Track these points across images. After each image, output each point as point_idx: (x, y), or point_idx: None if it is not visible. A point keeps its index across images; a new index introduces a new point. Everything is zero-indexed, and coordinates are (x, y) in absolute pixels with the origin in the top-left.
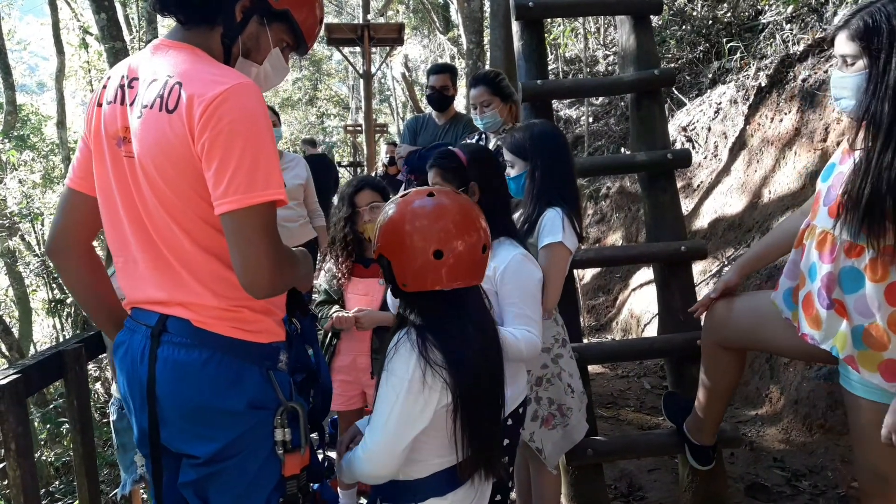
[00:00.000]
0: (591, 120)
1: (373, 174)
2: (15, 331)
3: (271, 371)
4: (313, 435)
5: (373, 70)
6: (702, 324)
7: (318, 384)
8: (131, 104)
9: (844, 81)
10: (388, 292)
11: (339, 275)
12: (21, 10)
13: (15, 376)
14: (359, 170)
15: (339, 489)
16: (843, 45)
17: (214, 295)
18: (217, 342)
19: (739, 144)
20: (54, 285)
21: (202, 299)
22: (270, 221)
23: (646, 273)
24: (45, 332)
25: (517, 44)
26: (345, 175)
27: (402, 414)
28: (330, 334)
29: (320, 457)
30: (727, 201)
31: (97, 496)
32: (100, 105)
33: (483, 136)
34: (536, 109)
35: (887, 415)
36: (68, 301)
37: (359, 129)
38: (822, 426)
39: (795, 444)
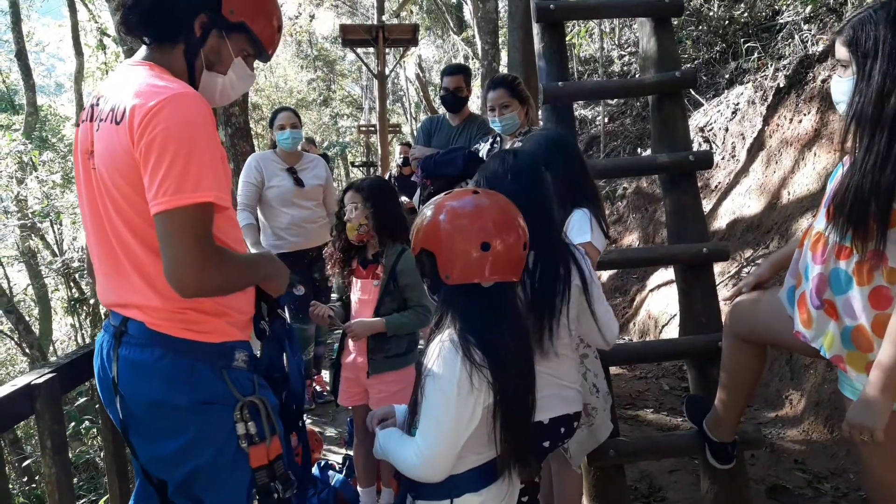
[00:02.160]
0: (606, 120)
1: (387, 175)
2: (35, 329)
3: (224, 369)
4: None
5: (387, 71)
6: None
7: (287, 385)
8: (94, 120)
9: (840, 86)
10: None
11: (338, 273)
12: (39, 11)
13: (50, 375)
14: (372, 170)
15: (358, 487)
16: (839, 51)
17: (161, 297)
18: (168, 343)
19: (758, 145)
20: (72, 284)
21: (151, 301)
22: (199, 222)
23: (663, 274)
24: (62, 331)
25: (538, 46)
26: (357, 175)
27: (456, 417)
28: (343, 332)
29: (340, 456)
30: (745, 202)
31: (127, 493)
32: (78, 125)
33: (498, 138)
34: (558, 111)
35: (849, 411)
36: (91, 300)
37: (372, 129)
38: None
39: (816, 446)
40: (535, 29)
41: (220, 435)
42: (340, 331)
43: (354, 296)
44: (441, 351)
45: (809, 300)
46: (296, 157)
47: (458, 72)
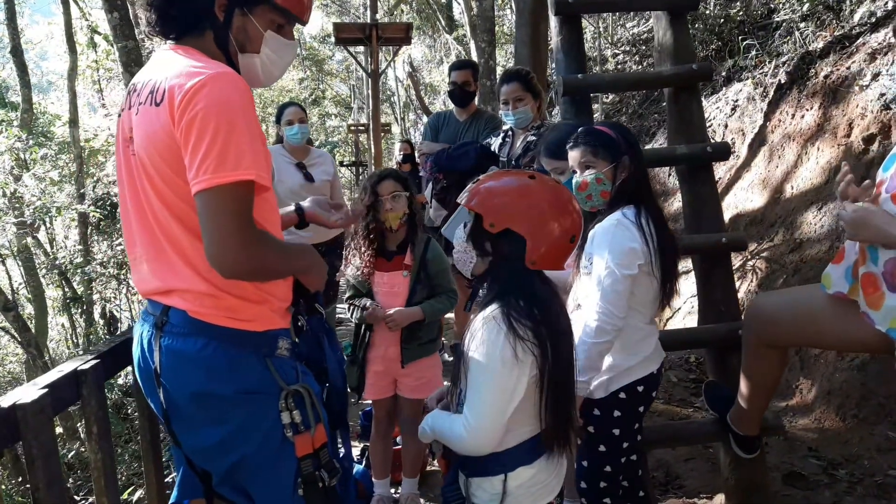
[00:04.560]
0: (602, 118)
1: None
2: (31, 327)
3: (268, 358)
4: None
5: (379, 69)
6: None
7: (328, 381)
8: (133, 107)
9: None
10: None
11: (364, 267)
12: (32, 8)
13: (94, 361)
14: (361, 169)
15: (373, 479)
16: None
17: (203, 279)
18: (211, 331)
19: (759, 141)
20: (64, 283)
21: (193, 284)
22: (240, 201)
23: None
24: (54, 331)
25: (555, 39)
26: (345, 174)
27: (500, 389)
28: (364, 327)
29: (357, 449)
30: (748, 197)
31: (163, 481)
32: (119, 116)
33: (510, 132)
34: (576, 104)
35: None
36: (93, 297)
37: (362, 128)
38: (855, 416)
39: (829, 434)
40: (553, 22)
41: (266, 424)
42: (360, 326)
43: (378, 289)
44: (485, 326)
45: (884, 284)
46: (304, 153)
47: (467, 67)
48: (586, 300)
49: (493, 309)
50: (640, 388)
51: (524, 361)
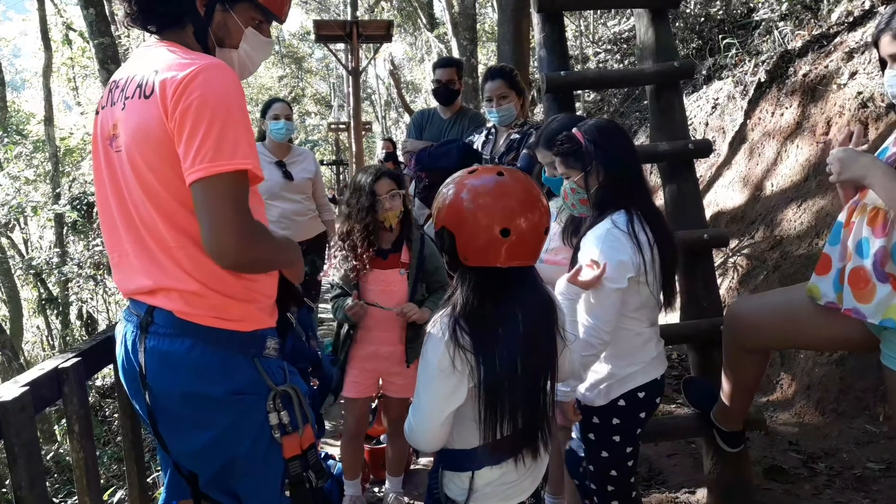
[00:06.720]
0: (585, 116)
1: None
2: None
3: (257, 358)
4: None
5: (360, 67)
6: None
7: (319, 372)
8: (116, 102)
9: None
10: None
11: (360, 266)
12: (5, 4)
13: (76, 359)
14: (342, 167)
15: (344, 479)
16: (890, 45)
17: (190, 277)
18: (199, 332)
19: (739, 139)
20: (39, 284)
21: (180, 282)
22: (238, 190)
23: None
24: (30, 332)
25: (538, 36)
26: (325, 173)
27: (436, 396)
28: (346, 326)
29: (338, 448)
30: (729, 194)
31: (145, 481)
32: (97, 114)
33: (493, 129)
34: (559, 101)
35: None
36: (70, 299)
37: (342, 126)
38: (834, 410)
39: (809, 428)
40: (536, 19)
41: (255, 426)
42: (341, 325)
43: (373, 287)
44: (431, 332)
45: (874, 275)
46: (285, 151)
47: (451, 65)
48: (579, 308)
49: (443, 313)
50: (642, 395)
51: (462, 371)
